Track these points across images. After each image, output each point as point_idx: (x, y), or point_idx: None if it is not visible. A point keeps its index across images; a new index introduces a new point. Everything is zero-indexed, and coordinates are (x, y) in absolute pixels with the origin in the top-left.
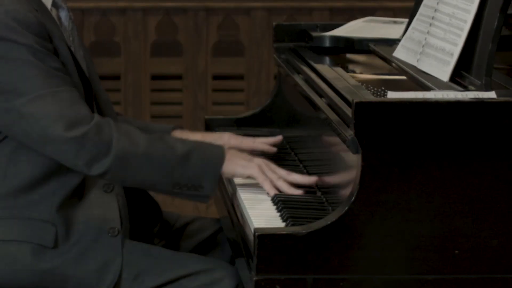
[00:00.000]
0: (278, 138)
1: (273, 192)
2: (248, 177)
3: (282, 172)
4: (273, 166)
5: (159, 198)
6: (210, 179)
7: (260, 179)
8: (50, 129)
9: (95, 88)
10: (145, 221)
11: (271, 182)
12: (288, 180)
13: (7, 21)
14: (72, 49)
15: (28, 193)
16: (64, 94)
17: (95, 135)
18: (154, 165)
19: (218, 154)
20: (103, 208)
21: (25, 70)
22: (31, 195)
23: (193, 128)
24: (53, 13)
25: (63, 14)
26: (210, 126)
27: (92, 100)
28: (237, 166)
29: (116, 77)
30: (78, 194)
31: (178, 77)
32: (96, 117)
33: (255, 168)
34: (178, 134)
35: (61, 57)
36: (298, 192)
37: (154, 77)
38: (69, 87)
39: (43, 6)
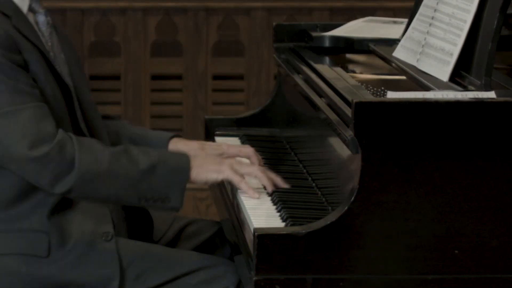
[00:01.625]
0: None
1: (251, 192)
2: (222, 181)
3: (255, 167)
4: (245, 162)
5: None
6: (176, 190)
7: (236, 181)
8: (13, 148)
9: (78, 92)
10: (140, 222)
11: (249, 175)
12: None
13: None
14: (51, 54)
15: (17, 205)
16: (29, 111)
17: (57, 154)
18: (118, 181)
19: (183, 164)
20: (95, 213)
21: None
22: (21, 207)
23: (193, 128)
24: (30, 17)
25: (41, 19)
26: (210, 126)
27: (73, 105)
28: (209, 172)
29: (116, 77)
30: (68, 200)
31: (178, 77)
32: (60, 134)
33: (228, 170)
34: (176, 143)
35: (31, 69)
36: (282, 184)
37: (154, 77)
38: (35, 103)
39: (18, 10)
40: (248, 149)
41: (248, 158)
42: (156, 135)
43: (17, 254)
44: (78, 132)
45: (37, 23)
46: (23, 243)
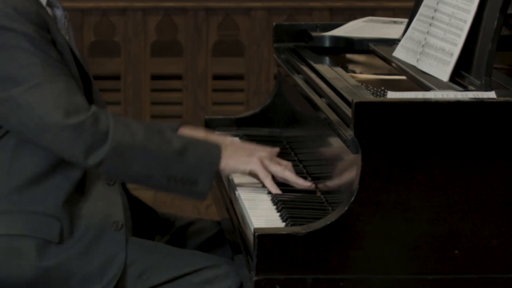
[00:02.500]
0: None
1: (274, 189)
2: (250, 172)
3: (286, 165)
4: (277, 159)
5: (159, 198)
6: (205, 175)
7: (262, 175)
8: (48, 116)
9: (94, 88)
10: (143, 221)
11: (276, 174)
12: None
13: (6, 9)
14: (70, 44)
15: (32, 187)
16: (62, 83)
17: (92, 124)
18: (150, 157)
19: (214, 151)
20: (106, 202)
21: (23, 59)
22: (36, 190)
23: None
24: (48, 11)
25: (59, 13)
26: (210, 126)
27: (91, 93)
28: (238, 162)
29: (116, 77)
30: (81, 187)
31: (178, 77)
32: (94, 107)
33: (257, 163)
34: (187, 130)
35: (58, 48)
36: (307, 184)
37: (154, 77)
38: (66, 77)
39: (39, 2)
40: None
41: None
42: (165, 124)
43: (29, 236)
44: None
45: (55, 17)
46: (35, 226)
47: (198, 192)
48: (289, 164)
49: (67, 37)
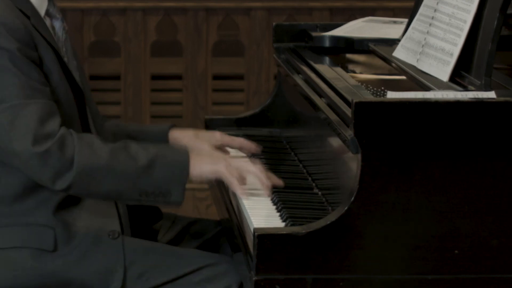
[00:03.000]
0: (258, 149)
1: (240, 191)
2: (217, 178)
3: (251, 167)
4: (240, 163)
5: None
6: (177, 185)
7: (229, 180)
8: (16, 142)
9: (88, 99)
10: (145, 219)
11: (241, 174)
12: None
13: None
14: (65, 59)
15: (23, 200)
16: (36, 106)
17: (57, 150)
18: (118, 177)
19: (182, 159)
20: (101, 210)
21: (3, 78)
22: (26, 202)
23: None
24: (47, 22)
25: (57, 24)
26: (210, 126)
27: (85, 108)
28: (204, 169)
29: (116, 77)
30: (74, 197)
31: (178, 77)
32: (61, 130)
33: (223, 168)
34: (176, 132)
35: (45, 67)
36: (278, 182)
37: (154, 77)
38: (44, 100)
39: (36, 13)
40: (241, 139)
41: (241, 147)
42: (154, 128)
43: (23, 248)
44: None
45: (53, 28)
46: (29, 237)
47: (173, 201)
48: (258, 167)
49: (64, 49)
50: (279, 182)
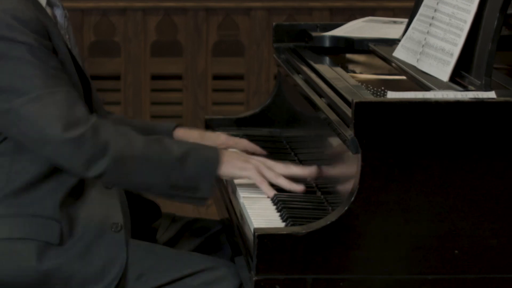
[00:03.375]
0: (264, 152)
1: (271, 193)
2: (246, 178)
3: (280, 168)
4: (271, 163)
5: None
6: (206, 181)
7: (258, 181)
8: (48, 129)
9: (92, 86)
10: (145, 217)
11: (270, 181)
12: (287, 175)
13: (6, 19)
14: (69, 46)
15: (31, 191)
16: (62, 94)
17: (92, 136)
18: (151, 167)
19: (214, 156)
20: (104, 204)
21: (25, 70)
22: (34, 193)
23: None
24: (48, 11)
25: (58, 12)
26: (210, 126)
27: (91, 98)
28: (234, 168)
29: (116, 77)
30: (79, 190)
31: (178, 77)
32: (94, 117)
33: (253, 169)
34: (180, 132)
35: (59, 56)
36: (300, 188)
37: (154, 77)
38: (67, 87)
39: (38, 4)
40: (245, 142)
41: (245, 150)
42: (160, 126)
43: (29, 239)
44: None
45: (55, 16)
46: (35, 228)
47: (199, 198)
48: (284, 169)
49: (67, 37)
50: (314, 170)
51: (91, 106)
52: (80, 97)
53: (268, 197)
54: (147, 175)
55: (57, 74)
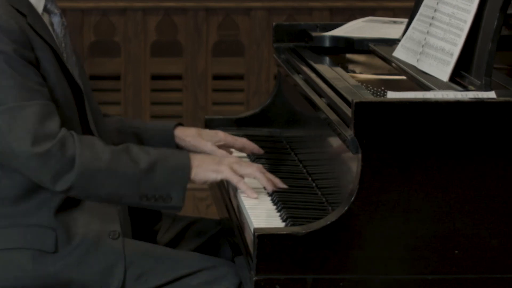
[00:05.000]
0: (261, 151)
1: (250, 193)
2: (222, 180)
3: (254, 168)
4: (245, 163)
5: None
6: (177, 189)
7: (235, 181)
8: (16, 143)
9: (87, 96)
10: (145, 220)
11: (248, 176)
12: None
13: None
14: (64, 55)
15: (24, 201)
16: (35, 107)
17: (58, 151)
18: (119, 179)
19: (183, 162)
20: (102, 211)
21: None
22: (28, 203)
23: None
24: (45, 18)
25: (56, 20)
26: (210, 126)
27: (84, 106)
28: (207, 172)
29: (116, 77)
30: (75, 199)
31: (178, 77)
32: (62, 131)
33: (227, 170)
34: (178, 131)
35: (42, 67)
36: (281, 185)
37: (154, 77)
38: (43, 101)
39: (34, 10)
40: (244, 139)
41: (243, 148)
42: (159, 126)
43: (23, 249)
44: (88, 133)
45: (52, 24)
46: (30, 238)
47: (173, 206)
48: (260, 166)
49: (63, 45)
50: (281, 184)
51: (85, 116)
52: (70, 107)
53: (268, 193)
54: (116, 187)
55: (33, 86)
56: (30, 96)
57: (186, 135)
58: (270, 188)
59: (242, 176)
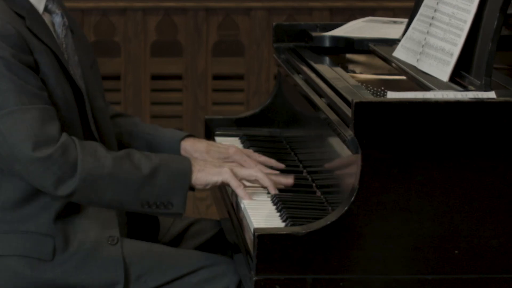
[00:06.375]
0: (281, 165)
1: (247, 198)
2: (222, 183)
3: (255, 169)
4: (247, 163)
5: None
6: (178, 195)
7: (234, 185)
8: (17, 148)
9: (89, 95)
10: (146, 221)
11: (248, 178)
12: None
13: None
14: (65, 56)
15: (23, 207)
16: (36, 112)
17: (60, 156)
18: (120, 185)
19: (184, 169)
20: (101, 217)
21: None
22: (27, 209)
23: (193, 128)
24: (46, 18)
25: (57, 21)
26: (210, 126)
27: (85, 108)
28: (208, 175)
29: (116, 77)
30: (74, 205)
31: (178, 77)
32: (63, 137)
33: (228, 173)
34: (188, 143)
35: (42, 71)
36: (283, 180)
37: (154, 77)
38: (42, 105)
39: (34, 11)
40: (256, 155)
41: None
42: (169, 135)
43: (21, 256)
44: (89, 135)
45: (53, 24)
46: (28, 245)
47: (174, 213)
48: (261, 166)
49: (64, 46)
50: (288, 181)
51: (85, 117)
52: (71, 108)
53: (268, 193)
54: (117, 193)
55: (32, 90)
56: (29, 100)
57: (194, 150)
58: (272, 190)
59: (242, 179)
